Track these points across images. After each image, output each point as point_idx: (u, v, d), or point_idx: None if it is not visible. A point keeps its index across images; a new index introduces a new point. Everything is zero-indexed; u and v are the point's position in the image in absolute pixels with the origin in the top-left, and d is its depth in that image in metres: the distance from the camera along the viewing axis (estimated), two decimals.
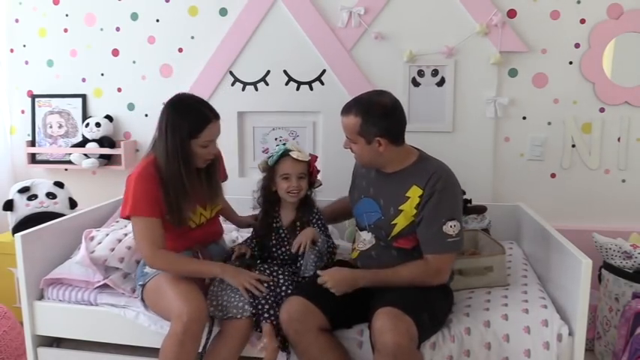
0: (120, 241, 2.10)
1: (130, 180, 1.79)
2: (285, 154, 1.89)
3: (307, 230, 1.88)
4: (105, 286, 1.98)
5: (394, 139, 1.73)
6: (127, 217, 1.80)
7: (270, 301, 1.75)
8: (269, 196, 1.97)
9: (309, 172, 1.93)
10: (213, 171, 1.91)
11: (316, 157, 1.99)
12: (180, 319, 1.64)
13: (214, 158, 1.88)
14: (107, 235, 2.16)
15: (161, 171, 1.77)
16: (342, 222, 2.29)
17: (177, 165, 1.74)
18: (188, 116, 1.75)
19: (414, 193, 1.72)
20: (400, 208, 1.74)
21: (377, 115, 1.70)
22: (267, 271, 1.86)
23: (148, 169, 1.78)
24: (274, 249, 1.96)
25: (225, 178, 2.09)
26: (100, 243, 2.10)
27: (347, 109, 1.75)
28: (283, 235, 1.95)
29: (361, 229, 1.90)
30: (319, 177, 2.03)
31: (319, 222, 1.95)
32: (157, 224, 1.76)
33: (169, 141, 1.74)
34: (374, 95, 1.76)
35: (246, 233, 2.48)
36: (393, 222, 1.75)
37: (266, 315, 1.73)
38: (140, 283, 1.88)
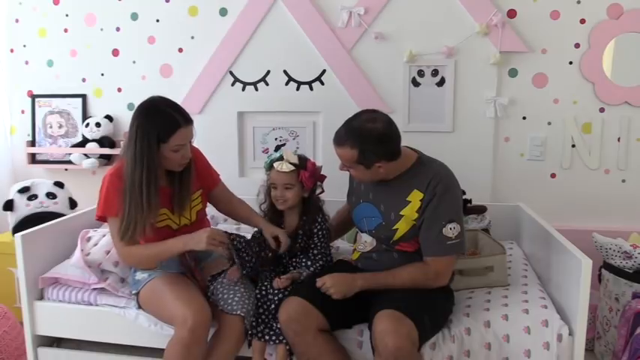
0: None
1: (104, 179, 1.80)
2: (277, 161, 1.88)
3: (292, 275, 1.86)
4: (103, 288, 1.99)
5: (393, 158, 1.70)
6: (99, 219, 1.82)
7: (260, 319, 1.77)
8: (272, 202, 1.94)
9: (301, 181, 1.87)
10: (187, 178, 1.85)
11: (313, 164, 1.92)
12: (184, 325, 1.63)
13: (190, 165, 1.84)
14: (104, 236, 2.15)
15: (126, 176, 1.73)
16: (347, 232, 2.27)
17: (140, 173, 1.70)
18: (158, 121, 1.72)
19: (415, 197, 1.71)
20: (401, 213, 1.73)
21: (374, 145, 1.65)
22: (266, 282, 1.86)
23: (121, 169, 1.77)
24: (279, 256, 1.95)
25: (215, 181, 2.03)
26: (96, 244, 2.09)
27: (341, 141, 1.69)
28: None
29: (362, 231, 1.89)
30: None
31: (320, 232, 1.92)
32: None
33: (137, 146, 1.70)
34: (366, 122, 1.67)
35: (247, 234, 2.48)
36: (394, 227, 1.75)
37: (255, 331, 1.75)
38: (134, 291, 1.89)
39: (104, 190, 1.79)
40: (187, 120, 1.76)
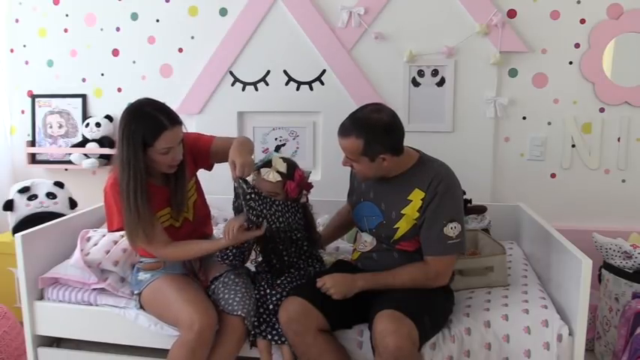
0: (116, 242, 2.09)
1: (107, 193, 1.76)
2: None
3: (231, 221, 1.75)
4: (104, 287, 1.98)
5: (397, 152, 1.70)
6: (117, 231, 1.78)
7: (262, 318, 1.76)
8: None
9: (286, 191, 1.79)
10: (181, 175, 1.81)
11: (300, 175, 1.83)
12: (191, 328, 1.63)
13: (182, 164, 1.80)
14: (104, 235, 2.15)
15: (119, 182, 1.71)
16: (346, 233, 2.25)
17: (127, 179, 1.67)
18: (142, 124, 1.67)
19: (417, 196, 1.71)
20: (402, 212, 1.73)
21: (380, 135, 1.64)
22: (263, 282, 1.86)
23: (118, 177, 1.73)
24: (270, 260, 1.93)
25: (208, 144, 1.90)
26: (95, 244, 2.09)
27: (346, 131, 1.67)
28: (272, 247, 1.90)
29: (362, 230, 1.89)
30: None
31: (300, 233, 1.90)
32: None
33: (124, 151, 1.67)
34: (372, 113, 1.67)
35: None
36: (395, 226, 1.74)
37: (258, 331, 1.75)
38: (136, 292, 1.88)
39: (111, 203, 1.75)
40: (174, 122, 1.70)
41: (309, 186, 1.89)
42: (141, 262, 1.91)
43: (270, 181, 1.78)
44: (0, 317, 2.16)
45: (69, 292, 2.01)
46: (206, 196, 2.03)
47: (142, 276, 1.86)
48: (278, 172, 1.79)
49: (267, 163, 1.81)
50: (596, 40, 2.49)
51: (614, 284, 2.19)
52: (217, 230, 2.44)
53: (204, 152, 1.90)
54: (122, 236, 2.14)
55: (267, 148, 2.80)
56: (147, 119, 1.68)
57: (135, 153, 1.67)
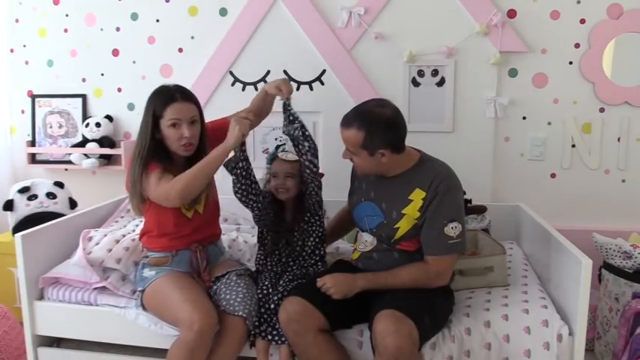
0: (118, 241, 2.09)
1: (128, 160, 1.92)
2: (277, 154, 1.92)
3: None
4: (104, 287, 1.98)
5: (397, 150, 1.70)
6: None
7: (262, 318, 1.77)
8: (272, 195, 1.95)
9: (301, 173, 1.88)
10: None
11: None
12: (191, 329, 1.63)
13: (201, 153, 1.81)
14: (105, 235, 2.15)
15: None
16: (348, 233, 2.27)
17: (137, 144, 1.81)
18: (157, 96, 1.82)
19: (417, 195, 1.71)
20: (403, 211, 1.73)
21: (381, 129, 1.65)
22: (267, 282, 1.87)
23: None
24: (278, 249, 1.95)
25: (226, 119, 2.02)
26: (97, 244, 2.09)
27: (348, 122, 1.69)
28: (285, 236, 1.94)
29: (362, 230, 1.89)
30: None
31: (316, 225, 1.95)
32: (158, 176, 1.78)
33: (142, 121, 1.83)
34: (375, 107, 1.69)
35: (247, 234, 2.48)
36: (395, 226, 1.74)
37: (258, 331, 1.75)
38: (140, 288, 1.88)
39: (128, 165, 1.86)
40: (186, 97, 1.82)
41: (321, 174, 1.96)
42: (147, 257, 1.92)
43: (289, 161, 1.88)
44: (0, 317, 2.16)
45: (69, 292, 2.01)
46: None
47: (148, 273, 1.86)
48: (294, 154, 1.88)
49: (282, 150, 1.94)
50: (596, 40, 2.49)
51: (614, 284, 2.19)
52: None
53: (225, 127, 1.91)
54: (124, 235, 2.15)
55: (267, 148, 2.80)
56: (162, 92, 1.83)
57: (147, 123, 1.80)
